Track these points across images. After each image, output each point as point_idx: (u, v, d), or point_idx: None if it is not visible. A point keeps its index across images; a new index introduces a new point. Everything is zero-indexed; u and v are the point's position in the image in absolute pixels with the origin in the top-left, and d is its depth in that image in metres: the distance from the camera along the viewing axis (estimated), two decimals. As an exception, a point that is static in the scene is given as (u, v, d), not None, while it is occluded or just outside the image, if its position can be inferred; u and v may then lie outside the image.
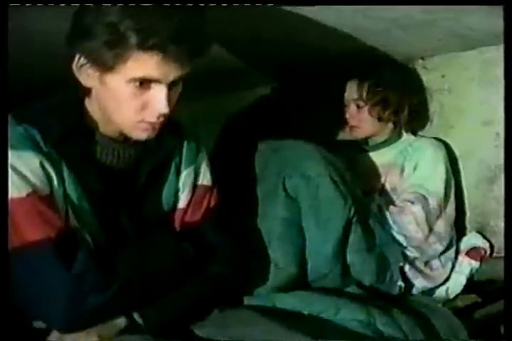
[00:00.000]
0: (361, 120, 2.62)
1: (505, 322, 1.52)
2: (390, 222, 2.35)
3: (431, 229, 2.42)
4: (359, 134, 2.66)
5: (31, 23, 1.93)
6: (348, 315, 1.90)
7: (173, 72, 1.53)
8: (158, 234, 1.79)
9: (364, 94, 2.58)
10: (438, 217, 2.46)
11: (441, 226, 2.46)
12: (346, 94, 2.65)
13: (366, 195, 2.41)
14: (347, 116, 2.65)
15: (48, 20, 1.87)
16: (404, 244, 2.36)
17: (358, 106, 2.61)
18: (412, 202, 2.42)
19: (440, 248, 2.45)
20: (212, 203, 1.93)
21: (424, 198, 2.44)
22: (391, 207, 2.43)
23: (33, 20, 1.89)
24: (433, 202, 2.44)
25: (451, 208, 2.53)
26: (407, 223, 2.37)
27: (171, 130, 1.79)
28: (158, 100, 1.56)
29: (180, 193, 1.88)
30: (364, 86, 2.58)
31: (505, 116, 1.60)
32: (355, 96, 2.60)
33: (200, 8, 1.58)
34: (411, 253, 2.38)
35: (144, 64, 1.49)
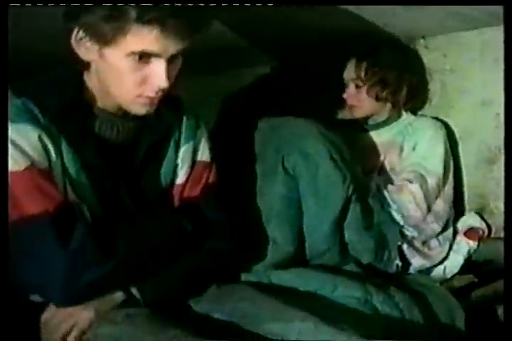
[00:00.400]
0: (360, 99, 2.61)
1: (505, 303, 1.52)
2: (389, 200, 2.35)
3: (429, 209, 2.43)
4: (358, 113, 2.65)
5: (31, 23, 1.91)
6: (345, 292, 1.91)
7: (172, 46, 1.53)
8: (156, 209, 1.80)
9: (362, 74, 2.57)
10: (436, 197, 2.46)
11: (440, 205, 2.47)
12: (345, 74, 2.64)
13: (366, 174, 2.41)
14: (346, 95, 2.64)
15: (48, 20, 1.86)
16: (402, 222, 2.36)
17: (357, 86, 2.60)
18: (411, 181, 2.42)
19: (438, 227, 2.45)
20: (211, 179, 1.93)
21: (423, 177, 2.43)
22: (389, 186, 2.43)
23: (33, 20, 1.88)
24: (431, 182, 2.44)
25: (449, 188, 2.52)
26: (406, 202, 2.37)
27: (170, 105, 1.79)
28: (158, 74, 1.55)
29: (179, 169, 1.88)
30: (362, 66, 2.57)
31: (505, 97, 1.60)
32: (354, 76, 2.59)
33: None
34: (409, 232, 2.39)
35: (143, 38, 1.48)
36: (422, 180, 2.42)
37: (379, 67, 2.55)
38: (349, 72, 2.62)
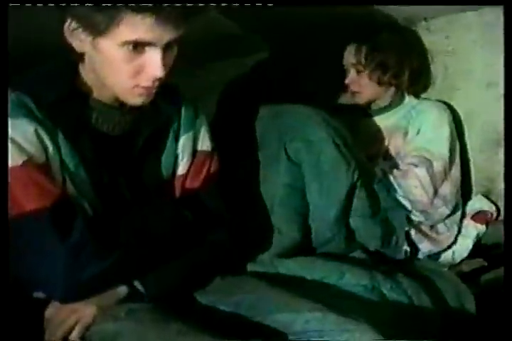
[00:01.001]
0: (362, 85, 2.58)
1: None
2: (395, 185, 2.33)
3: (436, 192, 2.40)
4: (361, 99, 2.63)
5: (31, 23, 1.89)
6: (352, 280, 1.90)
7: (167, 35, 1.49)
8: (157, 201, 1.78)
9: (362, 59, 2.54)
10: (443, 180, 2.43)
11: (447, 189, 2.44)
12: (345, 60, 2.62)
13: (370, 160, 2.39)
14: (347, 81, 2.61)
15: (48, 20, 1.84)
16: (409, 208, 2.35)
17: (358, 71, 2.57)
18: (416, 165, 2.40)
19: (446, 211, 2.43)
20: (213, 169, 1.90)
21: (428, 161, 2.41)
22: (395, 170, 2.41)
23: (33, 20, 1.86)
24: (437, 165, 2.41)
25: (456, 171, 2.50)
26: (412, 187, 2.35)
27: (168, 95, 1.76)
28: (153, 64, 1.52)
29: (179, 159, 1.85)
30: (362, 50, 2.54)
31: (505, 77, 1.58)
32: (354, 61, 2.57)
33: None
34: (416, 217, 2.38)
35: (137, 26, 1.44)
36: (428, 163, 2.40)
37: (379, 51, 2.52)
38: (349, 58, 2.59)
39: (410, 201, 2.34)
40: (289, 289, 1.74)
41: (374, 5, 2.40)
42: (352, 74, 2.58)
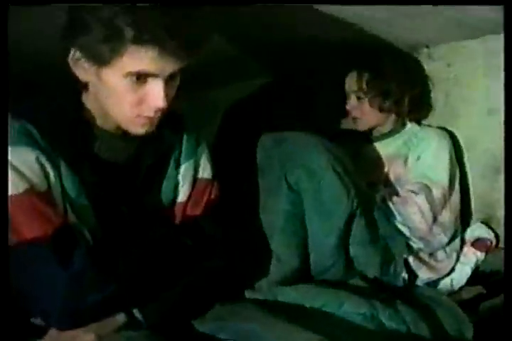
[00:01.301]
0: (363, 111, 2.59)
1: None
2: (395, 212, 2.33)
3: (435, 220, 2.39)
4: (362, 125, 2.63)
5: (31, 23, 1.90)
6: (352, 309, 1.88)
7: (169, 66, 1.51)
8: (158, 229, 1.78)
9: (364, 86, 2.55)
10: (443, 207, 2.43)
11: (446, 216, 2.43)
12: (347, 86, 2.63)
13: (371, 186, 2.39)
14: (348, 107, 2.62)
15: (48, 20, 1.84)
16: (408, 234, 2.34)
17: (359, 98, 2.58)
18: (416, 193, 2.39)
19: (445, 239, 2.42)
20: (213, 196, 1.92)
21: (428, 188, 2.41)
22: (395, 197, 2.40)
23: (33, 20, 1.87)
24: (437, 192, 2.41)
25: (455, 197, 2.49)
26: (412, 213, 2.35)
27: (170, 123, 1.77)
28: (155, 94, 1.53)
29: (180, 187, 1.86)
30: (363, 77, 2.55)
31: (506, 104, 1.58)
32: (355, 87, 2.58)
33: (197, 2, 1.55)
34: (415, 244, 2.36)
35: (140, 58, 1.46)
36: (427, 190, 2.39)
37: (380, 79, 2.53)
38: (350, 84, 2.60)
39: (409, 228, 2.33)
40: (288, 317, 1.73)
41: (370, 29, 2.40)
42: (353, 100, 2.60)
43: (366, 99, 2.56)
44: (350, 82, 2.60)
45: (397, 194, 2.45)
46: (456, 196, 2.49)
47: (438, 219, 2.41)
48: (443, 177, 2.45)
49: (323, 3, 1.98)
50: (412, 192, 2.41)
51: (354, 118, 2.63)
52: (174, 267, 1.71)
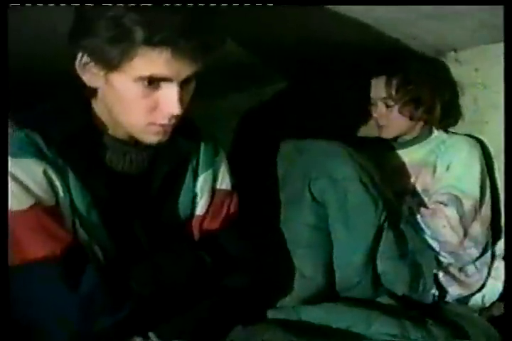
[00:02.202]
0: (391, 119, 2.48)
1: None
2: (423, 225, 2.24)
3: (466, 233, 2.29)
4: (389, 134, 2.53)
5: (31, 23, 1.82)
6: (381, 329, 1.81)
7: (184, 70, 1.41)
8: (174, 246, 1.69)
9: (393, 93, 2.44)
10: (473, 220, 2.32)
11: (477, 229, 2.33)
12: (373, 93, 2.52)
13: (397, 197, 2.28)
14: (375, 115, 2.52)
15: (48, 20, 1.77)
16: (438, 249, 2.25)
17: (387, 106, 2.47)
18: (446, 204, 2.30)
19: (476, 253, 2.31)
20: (233, 209, 1.84)
21: (458, 200, 2.30)
22: (422, 209, 2.31)
23: (33, 20, 1.79)
24: (467, 204, 2.31)
25: (486, 209, 2.38)
26: (441, 227, 2.25)
27: (186, 131, 1.68)
28: (169, 100, 1.44)
29: (197, 199, 1.78)
30: (392, 83, 2.44)
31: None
32: (384, 94, 2.46)
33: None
34: (445, 259, 2.27)
35: (152, 61, 1.37)
36: (458, 202, 2.30)
37: (411, 84, 2.42)
38: (378, 91, 2.48)
39: (439, 242, 2.24)
40: (312, 338, 1.68)
41: (394, 32, 2.30)
42: (380, 108, 2.49)
43: (395, 107, 2.45)
44: (378, 89, 2.48)
45: (425, 205, 2.36)
46: (487, 208, 2.39)
47: (469, 233, 2.30)
48: (474, 189, 2.35)
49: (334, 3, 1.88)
50: (441, 203, 2.31)
51: (381, 127, 2.52)
52: (192, 286, 1.62)
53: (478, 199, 2.34)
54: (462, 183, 2.35)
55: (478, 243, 2.31)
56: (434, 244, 2.23)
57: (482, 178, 2.38)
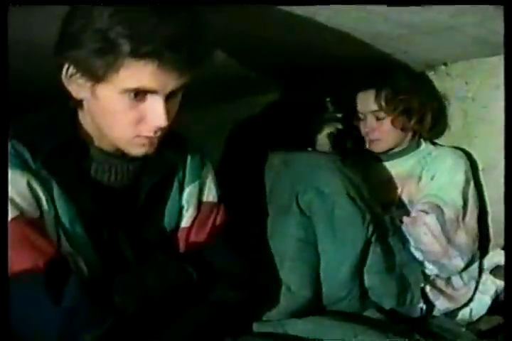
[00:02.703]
0: (383, 132, 2.48)
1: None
2: (406, 235, 2.24)
3: (449, 241, 2.27)
4: (380, 147, 2.53)
5: (32, 23, 1.82)
6: (368, 343, 1.79)
7: (170, 82, 1.40)
8: (159, 258, 1.67)
9: (384, 105, 2.43)
10: (457, 229, 2.31)
11: (462, 238, 2.31)
12: (361, 107, 2.52)
13: (383, 209, 2.26)
14: (366, 129, 2.51)
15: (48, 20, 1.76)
16: (421, 258, 2.24)
17: (378, 118, 2.46)
18: (426, 212, 2.29)
19: (461, 263, 2.29)
20: (219, 221, 1.82)
21: (439, 208, 2.30)
22: (405, 218, 2.30)
23: (34, 20, 1.78)
24: (449, 213, 2.30)
25: (471, 220, 2.37)
26: (422, 234, 2.24)
27: (172, 142, 1.66)
28: (155, 113, 1.42)
29: (184, 211, 1.78)
30: (382, 95, 2.44)
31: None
32: (374, 107, 2.46)
33: (198, 12, 1.44)
34: (429, 270, 2.26)
35: (138, 73, 1.35)
36: (438, 210, 2.29)
37: (402, 95, 2.42)
38: (367, 105, 2.48)
39: (422, 251, 2.23)
40: None
41: (386, 47, 2.30)
42: (370, 121, 2.48)
43: (387, 119, 2.44)
44: (367, 102, 2.48)
45: (408, 215, 2.35)
46: (472, 218, 2.37)
47: (453, 242, 2.28)
48: (456, 198, 2.34)
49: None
50: (423, 211, 2.30)
51: (371, 141, 2.52)
52: (177, 299, 1.60)
53: (460, 208, 2.33)
54: (444, 192, 2.34)
55: (463, 253, 2.29)
56: (418, 254, 2.22)
57: (465, 189, 2.38)
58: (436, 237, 2.24)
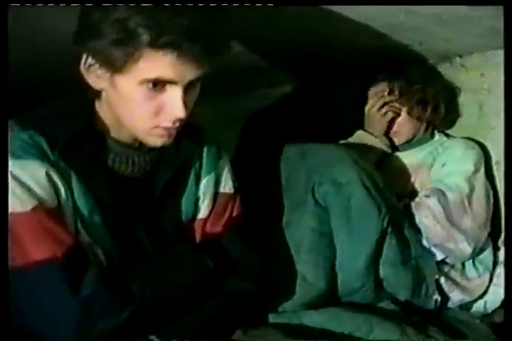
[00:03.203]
0: (400, 124, 2.48)
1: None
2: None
3: (454, 225, 2.26)
4: (398, 140, 2.53)
5: (32, 22, 1.82)
6: (382, 335, 1.79)
7: (189, 73, 1.40)
8: (176, 248, 1.68)
9: (398, 96, 2.44)
10: (463, 214, 2.29)
11: (467, 223, 2.28)
12: (375, 99, 2.51)
13: (398, 199, 2.26)
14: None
15: (49, 20, 1.76)
16: (426, 244, 2.22)
17: (394, 110, 2.45)
18: (427, 196, 2.29)
19: (468, 248, 2.26)
20: (235, 212, 1.82)
21: (442, 192, 2.29)
22: (411, 203, 2.30)
23: (34, 20, 1.79)
24: (452, 197, 2.28)
25: (479, 206, 2.34)
26: (423, 217, 2.23)
27: (189, 133, 1.66)
28: (174, 103, 1.42)
29: (200, 202, 1.77)
30: (395, 87, 2.44)
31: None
32: (388, 99, 2.46)
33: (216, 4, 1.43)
34: (436, 256, 2.24)
35: (157, 63, 1.36)
36: (441, 194, 2.28)
37: (417, 85, 2.44)
38: (381, 97, 2.48)
39: (426, 235, 2.21)
40: None
41: (401, 37, 2.30)
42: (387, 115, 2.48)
43: (403, 110, 2.45)
44: (381, 95, 2.48)
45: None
46: (480, 206, 2.34)
47: (459, 226, 2.27)
48: (460, 183, 2.32)
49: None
50: (426, 196, 2.30)
51: (392, 134, 2.51)
52: (194, 289, 1.61)
53: (465, 193, 2.31)
54: (449, 178, 2.34)
55: (470, 238, 2.27)
56: (424, 241, 2.21)
57: (473, 177, 2.36)
58: (437, 219, 2.23)
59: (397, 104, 2.45)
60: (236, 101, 3.18)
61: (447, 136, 2.59)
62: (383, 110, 2.46)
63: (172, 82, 1.40)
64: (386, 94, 2.46)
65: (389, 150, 2.49)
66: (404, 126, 2.48)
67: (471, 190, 2.34)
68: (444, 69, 2.63)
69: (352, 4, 1.84)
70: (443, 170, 2.41)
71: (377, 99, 2.48)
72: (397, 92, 2.44)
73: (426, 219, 2.23)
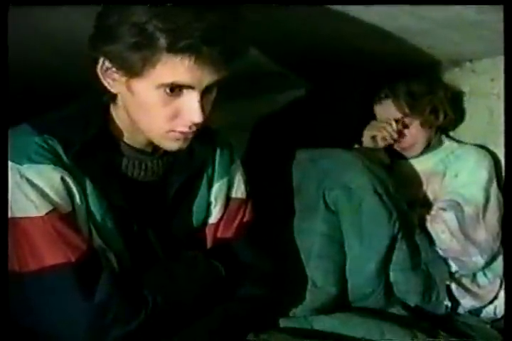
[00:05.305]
0: (413, 137, 2.48)
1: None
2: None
3: (468, 239, 2.26)
4: (415, 152, 2.52)
5: (32, 23, 1.82)
6: (393, 340, 1.78)
7: (206, 77, 1.39)
8: (188, 254, 1.67)
9: (408, 111, 2.43)
10: (476, 226, 2.29)
11: (481, 235, 2.29)
12: (381, 117, 2.49)
13: (409, 206, 2.25)
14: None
15: (49, 21, 1.76)
16: (442, 254, 2.23)
17: (404, 125, 2.45)
18: (444, 209, 2.28)
19: (481, 260, 2.28)
20: (247, 217, 1.81)
21: (459, 205, 2.28)
22: (426, 216, 2.29)
23: (34, 20, 1.79)
24: (469, 210, 2.28)
25: (493, 218, 2.33)
26: (439, 232, 2.23)
27: (202, 138, 1.65)
28: (191, 108, 1.42)
29: (212, 207, 1.77)
30: (402, 103, 2.43)
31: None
32: (397, 115, 2.45)
33: (233, 7, 1.42)
34: (450, 267, 2.25)
35: (175, 68, 1.35)
36: (458, 208, 2.28)
37: (426, 95, 2.44)
38: (389, 113, 2.47)
39: (440, 248, 2.22)
40: None
41: (410, 41, 2.29)
42: (397, 129, 2.45)
43: (416, 122, 2.45)
44: (388, 112, 2.47)
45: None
46: (493, 216, 2.33)
47: (473, 239, 2.27)
48: (478, 195, 2.32)
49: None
50: (442, 209, 2.30)
51: (404, 148, 2.51)
52: (205, 295, 1.60)
53: (481, 205, 2.31)
54: (466, 190, 2.33)
55: (483, 250, 2.27)
56: (439, 251, 2.21)
57: (487, 186, 2.35)
58: (453, 235, 2.23)
59: (408, 119, 2.44)
60: (244, 106, 3.18)
61: (457, 141, 2.58)
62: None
63: (189, 87, 1.40)
64: (394, 110, 2.45)
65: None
66: (419, 138, 2.48)
67: (486, 200, 2.34)
68: (454, 73, 2.63)
69: (358, 4, 1.85)
70: (457, 181, 2.40)
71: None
72: (406, 108, 2.43)
73: (443, 234, 2.23)
